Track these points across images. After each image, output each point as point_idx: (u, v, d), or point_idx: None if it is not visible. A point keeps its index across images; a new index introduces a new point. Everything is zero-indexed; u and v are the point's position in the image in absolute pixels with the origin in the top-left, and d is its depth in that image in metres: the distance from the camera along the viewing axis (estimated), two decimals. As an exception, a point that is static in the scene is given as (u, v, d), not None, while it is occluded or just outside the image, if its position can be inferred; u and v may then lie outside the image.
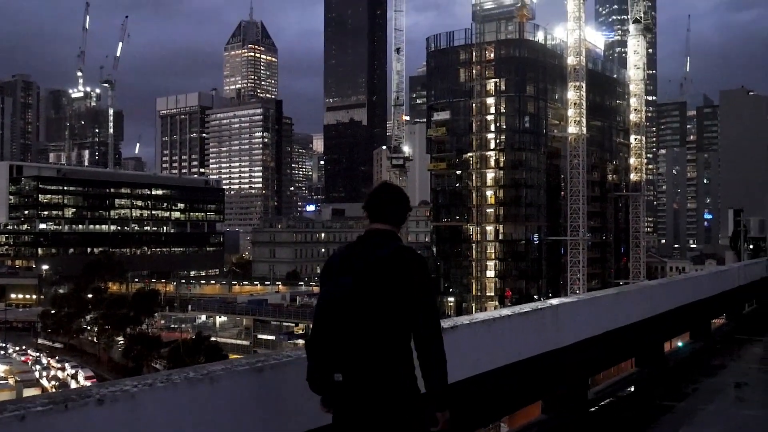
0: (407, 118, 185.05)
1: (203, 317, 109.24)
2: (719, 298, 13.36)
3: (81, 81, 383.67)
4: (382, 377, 3.24)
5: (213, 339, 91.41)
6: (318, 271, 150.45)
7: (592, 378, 8.72)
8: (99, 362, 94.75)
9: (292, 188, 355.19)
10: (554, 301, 6.61)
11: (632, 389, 8.60)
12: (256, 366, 3.55)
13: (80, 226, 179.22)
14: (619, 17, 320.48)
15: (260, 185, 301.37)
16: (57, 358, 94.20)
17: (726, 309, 14.79)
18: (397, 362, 3.28)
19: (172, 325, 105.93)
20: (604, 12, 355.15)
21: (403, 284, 3.27)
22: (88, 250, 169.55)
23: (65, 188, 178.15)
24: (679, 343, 12.45)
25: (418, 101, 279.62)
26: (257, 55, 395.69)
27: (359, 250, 3.41)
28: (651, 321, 9.08)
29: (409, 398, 3.27)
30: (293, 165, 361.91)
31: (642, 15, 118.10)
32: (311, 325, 3.54)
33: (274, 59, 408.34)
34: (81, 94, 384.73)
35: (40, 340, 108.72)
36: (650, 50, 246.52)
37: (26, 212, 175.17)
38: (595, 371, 8.14)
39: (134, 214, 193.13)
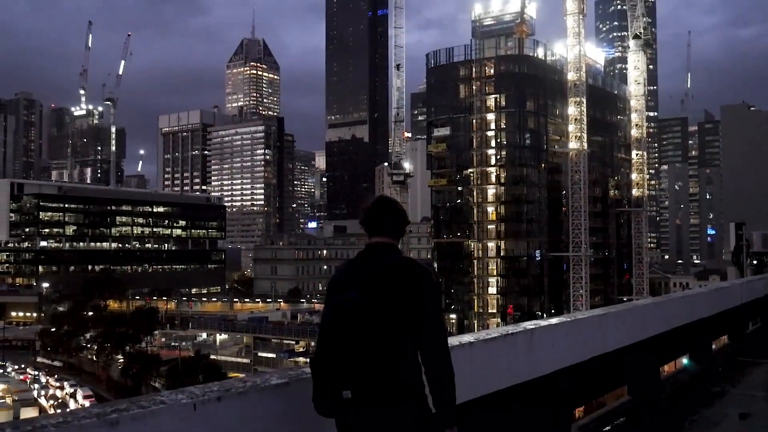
0: (409, 134, 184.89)
1: (204, 335, 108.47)
2: (720, 317, 12.57)
3: (83, 99, 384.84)
4: (395, 391, 3.03)
5: (213, 357, 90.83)
6: (320, 288, 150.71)
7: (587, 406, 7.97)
8: (98, 381, 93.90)
9: (294, 205, 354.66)
10: (529, 325, 5.87)
11: (622, 421, 7.78)
12: (108, 418, 2.57)
13: (81, 243, 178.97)
14: (619, 34, 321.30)
15: (262, 202, 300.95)
16: (56, 376, 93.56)
17: (728, 329, 13.98)
18: (408, 375, 3.10)
19: (173, 343, 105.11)
20: (604, 29, 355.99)
21: (413, 292, 3.16)
22: (89, 267, 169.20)
23: (66, 206, 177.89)
24: (684, 360, 11.60)
25: (420, 118, 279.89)
26: (259, 72, 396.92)
27: (364, 263, 3.31)
28: (644, 344, 8.32)
29: (422, 415, 3.10)
30: (295, 182, 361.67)
31: (642, 31, 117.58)
32: (315, 343, 3.31)
33: (276, 77, 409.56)
34: (83, 112, 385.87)
35: (39, 359, 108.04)
36: (651, 66, 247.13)
37: (27, 230, 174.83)
38: (579, 402, 7.36)
39: (135, 232, 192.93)
